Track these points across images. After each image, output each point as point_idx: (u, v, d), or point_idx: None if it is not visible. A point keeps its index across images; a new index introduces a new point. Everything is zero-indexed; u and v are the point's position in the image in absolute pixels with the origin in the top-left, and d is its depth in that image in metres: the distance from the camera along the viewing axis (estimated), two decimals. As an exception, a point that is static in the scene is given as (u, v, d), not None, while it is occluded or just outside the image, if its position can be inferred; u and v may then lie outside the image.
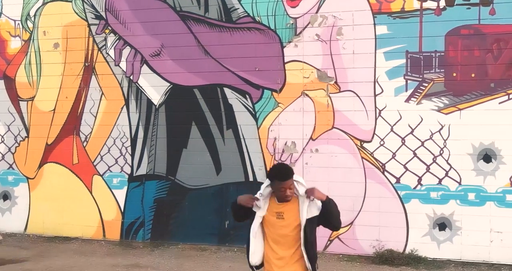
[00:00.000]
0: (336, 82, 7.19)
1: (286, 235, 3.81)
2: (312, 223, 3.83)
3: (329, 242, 7.14)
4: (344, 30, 7.16)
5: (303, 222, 3.78)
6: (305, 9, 7.29)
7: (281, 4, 7.35)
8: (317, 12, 7.25)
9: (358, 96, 7.14)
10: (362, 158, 7.12)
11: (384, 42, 7.04)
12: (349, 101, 7.14)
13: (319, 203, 3.81)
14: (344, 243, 7.15)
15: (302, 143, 7.31)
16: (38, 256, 7.23)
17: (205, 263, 7.02)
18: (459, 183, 6.83)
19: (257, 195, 3.85)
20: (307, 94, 7.28)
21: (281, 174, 3.83)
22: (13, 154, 8.33)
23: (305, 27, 7.29)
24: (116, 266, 6.76)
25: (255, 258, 3.85)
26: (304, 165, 7.29)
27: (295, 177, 3.80)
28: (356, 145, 7.15)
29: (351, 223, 7.13)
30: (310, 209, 3.81)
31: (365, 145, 7.12)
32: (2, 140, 8.37)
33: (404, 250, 6.99)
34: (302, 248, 3.79)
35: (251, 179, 7.41)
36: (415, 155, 6.95)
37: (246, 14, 7.45)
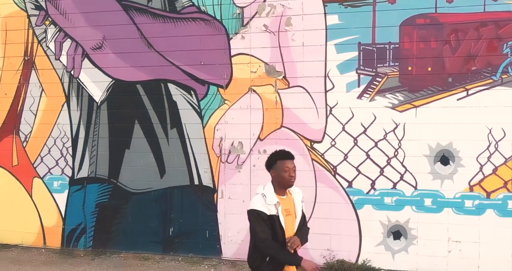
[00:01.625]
0: (284, 77, 8.73)
1: (292, 231, 5.00)
2: (303, 217, 5.18)
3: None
4: (293, 21, 8.69)
5: (299, 214, 5.11)
6: None
7: (227, -8, 9.11)
8: (264, 1, 8.81)
9: (308, 93, 8.69)
10: (312, 159, 8.64)
11: (335, 33, 8.51)
12: (298, 98, 8.65)
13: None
14: (294, 252, 8.79)
15: (249, 143, 8.89)
16: None
17: None
18: (415, 188, 8.22)
19: (262, 206, 4.93)
20: (254, 91, 8.88)
21: (284, 152, 5.15)
22: (-49, 155, 10.51)
23: (253, 17, 8.86)
24: None
25: None
26: (252, 167, 8.90)
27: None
28: (306, 145, 8.67)
29: (301, 231, 8.78)
30: (301, 203, 5.20)
31: (315, 145, 8.66)
32: None
33: (357, 260, 8.47)
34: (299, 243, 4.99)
35: (196, 182, 8.93)
36: (368, 156, 8.41)
37: (191, 3, 8.97)
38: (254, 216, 4.95)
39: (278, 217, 4.94)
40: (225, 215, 8.90)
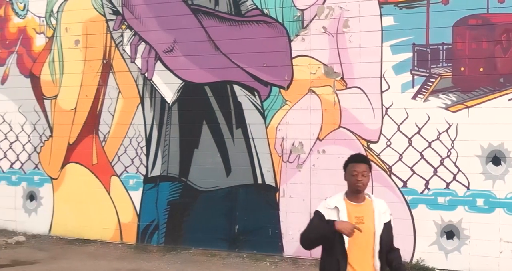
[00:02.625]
0: (342, 78, 11.02)
1: (366, 244, 5.65)
2: (387, 230, 5.75)
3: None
4: (350, 22, 11.01)
5: (380, 227, 5.67)
6: (312, 0, 11.28)
7: (288, -5, 11.31)
8: (323, 3, 11.18)
9: (365, 93, 10.95)
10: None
11: (391, 35, 10.66)
12: (355, 98, 10.85)
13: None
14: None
15: (309, 143, 11.27)
16: (50, 259, 11.75)
17: (206, 269, 10.98)
18: (467, 188, 10.22)
19: (323, 208, 5.73)
20: (314, 91, 11.25)
21: (355, 156, 5.89)
22: (38, 153, 13.41)
23: (312, 19, 11.20)
24: (117, 270, 11.10)
25: None
26: (312, 167, 11.30)
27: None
28: (363, 145, 10.93)
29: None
30: (385, 216, 5.78)
31: (371, 145, 10.88)
32: (29, 139, 13.47)
33: (411, 259, 10.69)
34: (376, 258, 5.68)
35: (259, 181, 11.45)
36: (422, 156, 10.51)
37: (255, 6, 11.47)
38: (315, 216, 5.83)
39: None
40: (287, 214, 11.39)
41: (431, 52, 10.46)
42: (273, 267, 11.13)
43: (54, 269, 11.25)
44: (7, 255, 12.14)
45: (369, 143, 10.84)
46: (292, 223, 11.30)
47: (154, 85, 12.38)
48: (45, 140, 13.45)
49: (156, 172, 12.41)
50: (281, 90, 11.42)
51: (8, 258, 11.92)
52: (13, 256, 12.11)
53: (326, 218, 5.69)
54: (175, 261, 11.63)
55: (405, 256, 10.56)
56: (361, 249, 5.69)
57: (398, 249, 6.00)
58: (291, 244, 11.33)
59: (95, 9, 12.92)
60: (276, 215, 11.46)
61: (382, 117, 10.76)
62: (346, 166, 5.86)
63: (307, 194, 11.15)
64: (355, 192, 5.76)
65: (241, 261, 11.51)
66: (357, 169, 5.72)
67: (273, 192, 11.47)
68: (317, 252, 5.99)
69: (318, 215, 5.78)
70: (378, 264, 5.75)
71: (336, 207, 5.71)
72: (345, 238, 5.57)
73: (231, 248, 11.84)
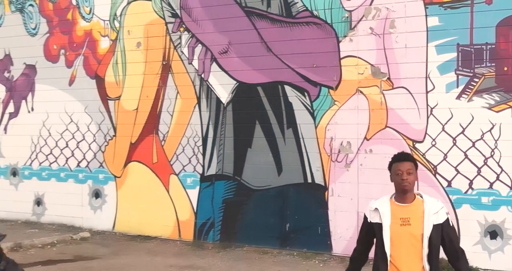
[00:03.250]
0: (389, 78, 11.67)
1: (413, 246, 5.70)
2: (438, 232, 5.72)
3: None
4: (396, 23, 11.67)
5: (429, 229, 5.68)
6: (360, 1, 11.89)
7: (337, -4, 12.05)
8: (371, 4, 11.84)
9: (410, 93, 11.55)
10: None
11: (435, 35, 11.24)
12: (401, 98, 11.48)
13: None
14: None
15: (357, 142, 11.95)
16: (111, 254, 12.82)
17: (257, 266, 11.81)
18: (511, 188, 10.78)
19: (367, 210, 5.91)
20: (361, 92, 11.93)
21: (399, 155, 5.96)
22: (103, 152, 14.57)
23: (360, 20, 11.87)
24: (172, 266, 11.86)
25: None
26: (359, 166, 11.99)
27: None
28: (409, 145, 11.58)
29: (404, 229, 11.72)
30: (437, 216, 5.76)
31: (417, 145, 11.56)
32: (94, 138, 14.65)
33: (456, 259, 11.36)
34: (425, 261, 5.75)
35: (309, 180, 12.26)
36: (466, 156, 11.06)
37: (305, 8, 12.26)
38: (363, 221, 6.05)
39: (380, 225, 5.82)
40: (335, 212, 12.15)
41: (475, 52, 11.01)
42: (321, 265, 11.89)
43: (113, 264, 12.30)
44: (71, 251, 13.33)
45: (414, 143, 11.47)
46: (341, 222, 12.05)
47: (210, 86, 13.35)
48: (109, 139, 14.62)
49: (212, 170, 13.37)
50: (330, 90, 12.18)
51: (72, 254, 13.09)
52: (77, 251, 13.26)
53: (370, 220, 5.89)
54: (228, 258, 12.53)
55: (450, 256, 11.20)
56: (408, 251, 5.74)
57: (465, 258, 6.18)
58: (340, 242, 12.07)
59: (155, 12, 13.98)
60: (325, 214, 12.22)
61: (427, 117, 11.37)
62: (390, 166, 5.94)
63: (355, 193, 11.87)
64: (402, 192, 5.83)
65: (291, 259, 12.32)
66: (401, 168, 5.79)
67: (322, 191, 12.24)
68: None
69: (364, 219, 6.00)
70: (427, 267, 5.79)
71: (376, 209, 5.86)
72: (386, 241, 5.74)
73: (282, 246, 12.67)
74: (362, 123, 11.92)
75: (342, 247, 12.02)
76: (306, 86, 12.40)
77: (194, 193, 13.61)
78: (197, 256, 12.75)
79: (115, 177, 14.59)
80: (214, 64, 13.31)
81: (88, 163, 15.01)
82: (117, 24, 14.52)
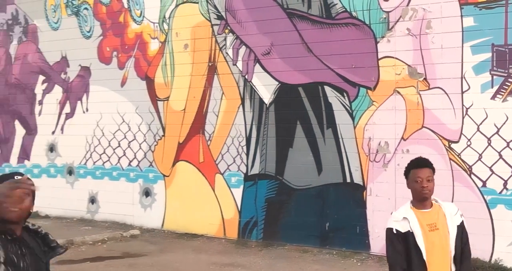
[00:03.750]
0: (425, 78, 11.95)
1: (443, 250, 5.72)
2: (459, 233, 5.80)
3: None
4: (433, 24, 11.91)
5: (454, 230, 5.76)
6: (397, 2, 12.17)
7: (375, -3, 12.36)
8: (407, 5, 12.15)
9: (446, 94, 11.75)
10: (450, 159, 11.80)
11: (471, 35, 11.44)
12: (437, 99, 11.70)
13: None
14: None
15: (394, 143, 12.23)
16: (158, 252, 13.38)
17: (296, 264, 12.19)
18: None
19: (392, 223, 5.76)
20: (398, 92, 12.24)
21: (417, 161, 5.95)
22: (152, 152, 15.20)
23: (397, 21, 12.17)
24: (214, 264, 12.34)
25: None
26: (396, 166, 12.26)
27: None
28: (444, 145, 11.81)
29: (440, 229, 11.92)
30: (457, 218, 5.88)
31: (452, 145, 11.76)
32: (144, 138, 15.24)
33: (490, 259, 11.44)
34: (452, 263, 5.76)
35: (348, 180, 12.62)
36: (500, 156, 11.19)
37: (344, 9, 12.62)
38: (388, 235, 5.83)
39: (412, 233, 5.75)
40: (373, 212, 12.45)
41: (510, 52, 11.18)
42: (359, 264, 12.21)
43: (158, 261, 12.85)
44: (120, 248, 13.96)
45: (450, 143, 11.70)
46: (378, 221, 12.32)
47: (253, 86, 13.80)
48: (158, 139, 15.22)
49: (255, 170, 13.82)
50: (368, 91, 12.48)
51: (121, 250, 13.72)
52: (126, 248, 13.89)
53: (401, 230, 5.75)
54: (269, 257, 12.95)
55: (484, 256, 11.41)
56: (440, 255, 5.77)
57: (469, 261, 6.05)
58: (377, 241, 12.36)
59: (202, 14, 14.50)
60: (363, 213, 12.53)
61: (463, 118, 11.58)
62: (408, 172, 5.92)
63: (392, 193, 12.14)
64: (421, 200, 5.82)
65: (331, 257, 12.66)
66: (421, 175, 5.76)
67: (360, 191, 12.55)
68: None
69: (392, 234, 5.80)
70: (453, 269, 5.82)
71: (405, 218, 5.77)
72: (422, 248, 5.70)
73: (322, 244, 13.03)
74: (399, 123, 12.18)
75: (380, 246, 12.27)
76: (345, 86, 12.74)
77: (238, 192, 14.08)
78: (239, 254, 13.20)
79: (164, 176, 15.18)
80: (257, 65, 13.75)
81: (139, 162, 15.64)
82: (166, 27, 15.09)
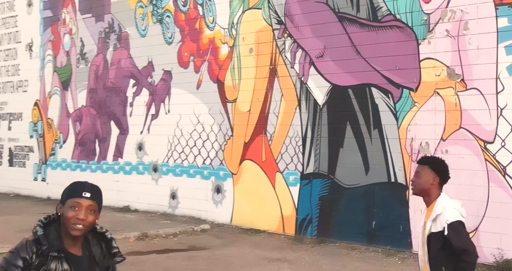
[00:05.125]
0: (463, 79, 11.61)
1: (422, 252, 5.97)
2: (437, 238, 5.73)
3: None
4: (469, 25, 11.53)
5: (426, 235, 5.83)
6: (437, 4, 11.87)
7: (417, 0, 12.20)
8: (447, 7, 11.84)
9: (482, 94, 11.36)
10: (485, 159, 11.39)
11: (505, 36, 10.98)
12: (473, 99, 11.32)
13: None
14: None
15: (434, 143, 11.96)
16: (221, 246, 13.62)
17: (339, 261, 12.08)
18: None
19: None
20: (438, 93, 11.95)
21: (419, 159, 6.21)
22: (223, 151, 15.47)
23: (437, 23, 11.90)
24: (264, 259, 12.43)
25: None
26: (436, 167, 12.01)
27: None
28: (480, 146, 11.40)
29: (476, 229, 11.49)
30: (435, 224, 5.76)
31: (487, 146, 11.35)
32: (216, 138, 15.55)
33: (523, 260, 11.03)
34: (428, 267, 5.84)
35: (392, 179, 12.47)
36: None
37: (389, 12, 12.46)
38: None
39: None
40: (415, 211, 12.17)
41: (542, 52, 10.74)
42: (399, 262, 12.00)
43: (216, 255, 13.09)
44: (189, 241, 14.29)
45: (485, 144, 11.32)
46: (420, 221, 12.03)
47: (308, 88, 13.80)
48: (228, 139, 15.48)
49: (310, 169, 13.82)
50: (411, 92, 12.25)
51: (188, 244, 14.05)
52: (193, 242, 14.21)
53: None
54: (318, 253, 12.92)
55: (516, 258, 11.00)
56: (422, 255, 6.01)
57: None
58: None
59: (264, 19, 14.63)
60: (406, 212, 12.29)
61: (497, 118, 11.19)
62: None
63: (432, 193, 11.86)
64: (419, 195, 6.06)
65: (375, 255, 12.50)
66: (416, 170, 6.00)
67: (403, 190, 12.33)
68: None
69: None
70: None
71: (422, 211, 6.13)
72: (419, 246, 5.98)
73: (369, 242, 12.88)
74: (439, 124, 11.90)
75: (421, 246, 12.04)
76: (390, 88, 12.56)
77: (295, 190, 14.13)
78: (292, 250, 13.23)
79: (232, 173, 15.41)
80: (312, 67, 13.74)
81: (211, 160, 15.95)
82: (234, 32, 15.32)
